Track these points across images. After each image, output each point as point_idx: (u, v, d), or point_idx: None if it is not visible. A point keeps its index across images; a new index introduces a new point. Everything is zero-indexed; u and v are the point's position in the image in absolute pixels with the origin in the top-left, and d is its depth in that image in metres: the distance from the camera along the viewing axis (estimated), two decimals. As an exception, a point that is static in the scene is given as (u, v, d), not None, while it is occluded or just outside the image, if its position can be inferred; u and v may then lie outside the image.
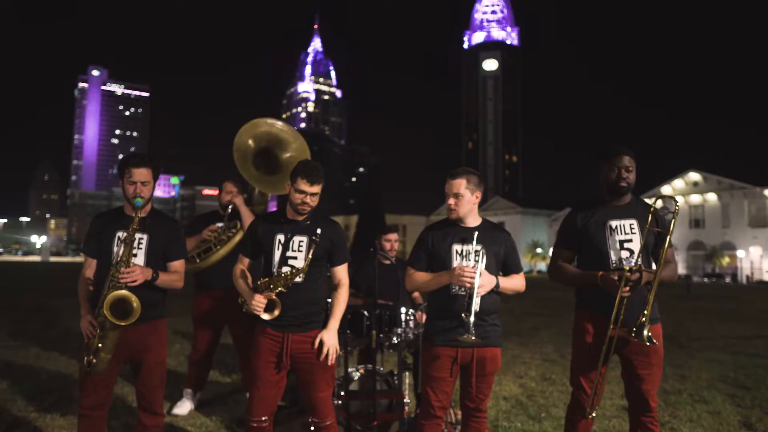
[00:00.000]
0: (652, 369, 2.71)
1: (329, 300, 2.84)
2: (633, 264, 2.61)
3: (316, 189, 2.71)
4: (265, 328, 2.69)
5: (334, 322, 2.73)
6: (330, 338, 2.67)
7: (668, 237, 2.67)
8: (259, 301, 2.60)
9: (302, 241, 2.71)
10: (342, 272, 2.82)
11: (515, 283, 2.79)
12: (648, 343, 2.50)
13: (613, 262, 2.72)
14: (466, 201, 2.74)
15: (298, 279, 2.67)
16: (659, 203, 2.79)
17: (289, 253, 2.69)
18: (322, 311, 2.75)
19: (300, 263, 2.68)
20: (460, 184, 2.73)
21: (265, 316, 2.61)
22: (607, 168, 2.79)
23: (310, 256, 2.65)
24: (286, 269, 2.67)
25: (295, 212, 2.75)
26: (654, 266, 2.77)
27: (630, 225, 2.76)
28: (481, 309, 2.68)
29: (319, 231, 2.68)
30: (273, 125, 4.18)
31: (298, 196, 2.70)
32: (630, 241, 2.74)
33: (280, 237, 2.72)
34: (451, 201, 2.73)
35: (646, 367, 2.70)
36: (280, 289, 2.63)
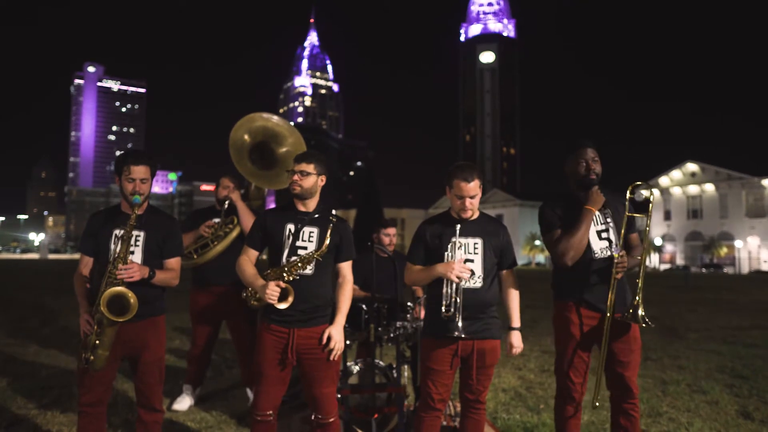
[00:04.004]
0: (633, 356, 2.75)
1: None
2: (619, 251, 2.69)
3: (303, 167, 2.72)
4: (269, 325, 2.67)
5: (342, 318, 2.72)
6: (337, 333, 2.66)
7: (648, 221, 2.74)
8: (273, 290, 2.56)
9: (312, 232, 2.70)
10: (347, 269, 2.81)
11: (518, 301, 2.87)
12: (644, 324, 2.58)
13: (595, 252, 2.76)
14: (478, 199, 2.77)
15: (308, 271, 2.66)
16: (636, 191, 2.85)
17: (299, 243, 2.68)
18: (328, 306, 2.74)
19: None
20: (477, 185, 2.73)
21: (281, 306, 2.58)
22: (573, 162, 2.81)
23: (327, 240, 2.65)
24: (300, 254, 2.66)
25: (298, 200, 2.76)
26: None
27: (605, 215, 2.81)
28: (481, 302, 2.71)
29: (334, 212, 2.72)
30: (269, 120, 4.16)
31: (290, 177, 2.74)
32: (606, 230, 2.79)
33: (290, 227, 2.71)
34: (468, 202, 2.72)
35: (627, 355, 2.74)
36: (293, 276, 2.62)
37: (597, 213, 2.80)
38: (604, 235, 2.78)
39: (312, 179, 2.73)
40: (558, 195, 2.93)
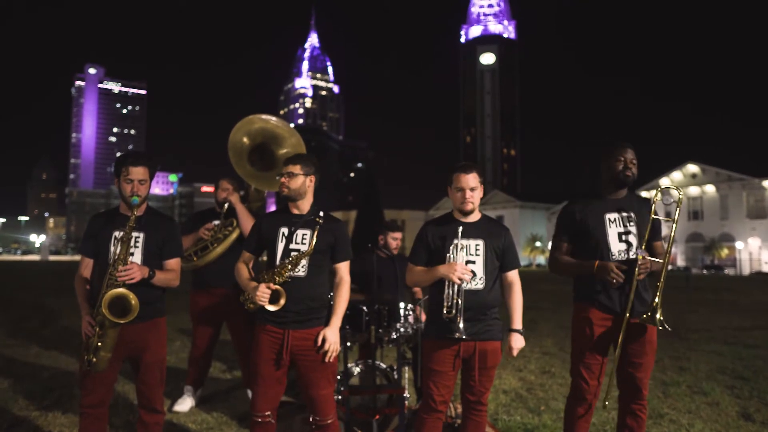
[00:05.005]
0: (646, 358, 2.76)
1: (330, 294, 2.85)
2: (641, 252, 2.67)
3: (290, 168, 2.75)
4: (265, 325, 2.68)
5: (337, 320, 2.73)
6: (333, 335, 2.67)
7: (674, 226, 2.73)
8: (263, 292, 2.58)
9: (305, 234, 2.71)
10: (344, 269, 2.82)
11: (520, 303, 2.86)
12: (660, 327, 2.59)
13: (612, 253, 2.76)
14: (478, 194, 2.78)
15: (300, 272, 2.67)
16: (659, 195, 2.83)
17: (293, 246, 2.70)
18: (323, 308, 2.75)
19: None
20: (476, 178, 2.76)
21: (271, 308, 2.59)
22: (611, 160, 2.82)
23: (314, 240, 2.66)
24: (292, 255, 2.67)
25: (291, 203, 2.77)
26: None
27: (627, 217, 2.80)
28: (482, 303, 2.72)
29: (321, 213, 2.73)
30: (268, 121, 4.16)
31: (279, 179, 2.77)
32: (628, 233, 2.78)
33: (284, 230, 2.73)
34: (468, 194, 2.74)
35: (640, 356, 2.75)
36: (284, 278, 2.63)
37: (621, 215, 2.80)
38: (624, 237, 2.77)
39: (299, 180, 2.74)
40: (585, 194, 2.93)
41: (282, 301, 2.60)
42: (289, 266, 2.64)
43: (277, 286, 2.61)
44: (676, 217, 2.71)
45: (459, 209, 2.80)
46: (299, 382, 2.77)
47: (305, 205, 2.79)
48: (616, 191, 2.85)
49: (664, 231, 2.91)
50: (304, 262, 2.68)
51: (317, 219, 2.71)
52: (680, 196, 2.74)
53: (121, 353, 2.74)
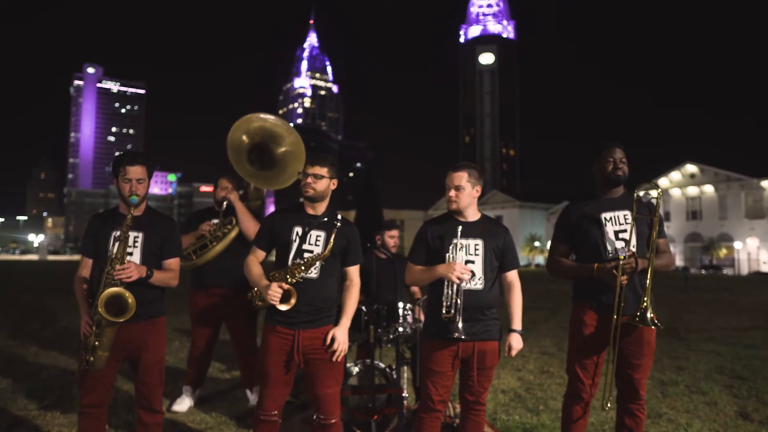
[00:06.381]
0: (645, 359, 2.76)
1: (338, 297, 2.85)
2: (627, 252, 2.67)
3: (317, 170, 2.73)
4: (274, 327, 2.68)
5: (347, 320, 2.74)
6: (342, 335, 2.68)
7: (655, 222, 2.72)
8: (275, 291, 2.57)
9: (319, 236, 2.71)
10: (354, 273, 2.83)
11: (520, 303, 2.86)
12: (653, 327, 2.58)
13: (609, 252, 2.77)
14: (467, 194, 2.76)
15: (313, 274, 2.67)
16: (642, 193, 2.84)
17: (306, 246, 2.69)
18: (332, 308, 2.75)
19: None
20: (462, 177, 2.75)
21: (282, 307, 2.59)
22: (601, 160, 2.85)
23: (332, 242, 2.66)
24: (306, 257, 2.67)
25: (308, 203, 2.77)
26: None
27: (624, 216, 2.81)
28: (481, 303, 2.72)
29: (339, 216, 2.73)
30: (266, 120, 4.16)
31: (303, 179, 2.74)
32: (624, 231, 2.79)
33: (298, 229, 2.72)
34: (452, 193, 2.75)
35: (638, 357, 2.75)
36: (297, 279, 2.63)
37: (616, 214, 2.81)
38: (621, 235, 2.77)
39: (324, 182, 2.74)
40: (583, 196, 2.96)
41: (293, 301, 2.59)
42: (303, 267, 2.64)
43: (289, 286, 2.61)
44: (657, 215, 2.72)
45: (450, 209, 2.81)
46: (306, 381, 2.77)
47: (322, 206, 2.79)
48: (610, 191, 2.87)
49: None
50: (317, 264, 2.68)
51: (335, 222, 2.71)
52: (658, 194, 2.75)
53: (120, 353, 2.74)
